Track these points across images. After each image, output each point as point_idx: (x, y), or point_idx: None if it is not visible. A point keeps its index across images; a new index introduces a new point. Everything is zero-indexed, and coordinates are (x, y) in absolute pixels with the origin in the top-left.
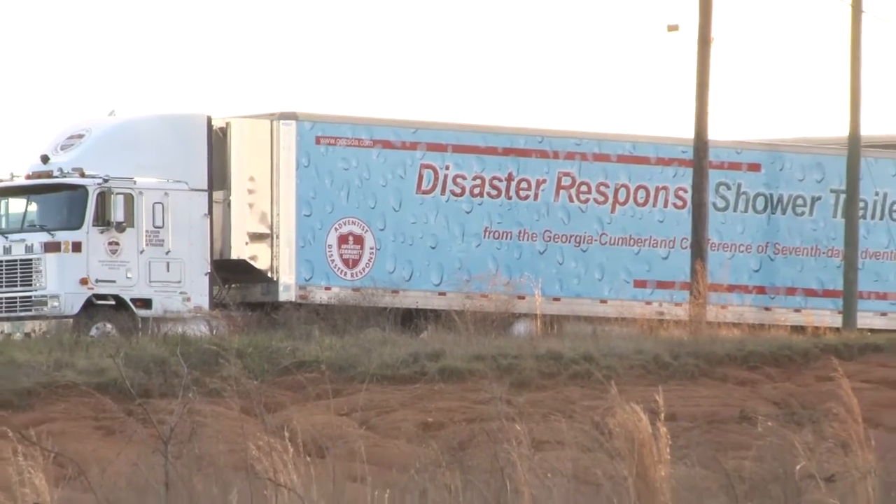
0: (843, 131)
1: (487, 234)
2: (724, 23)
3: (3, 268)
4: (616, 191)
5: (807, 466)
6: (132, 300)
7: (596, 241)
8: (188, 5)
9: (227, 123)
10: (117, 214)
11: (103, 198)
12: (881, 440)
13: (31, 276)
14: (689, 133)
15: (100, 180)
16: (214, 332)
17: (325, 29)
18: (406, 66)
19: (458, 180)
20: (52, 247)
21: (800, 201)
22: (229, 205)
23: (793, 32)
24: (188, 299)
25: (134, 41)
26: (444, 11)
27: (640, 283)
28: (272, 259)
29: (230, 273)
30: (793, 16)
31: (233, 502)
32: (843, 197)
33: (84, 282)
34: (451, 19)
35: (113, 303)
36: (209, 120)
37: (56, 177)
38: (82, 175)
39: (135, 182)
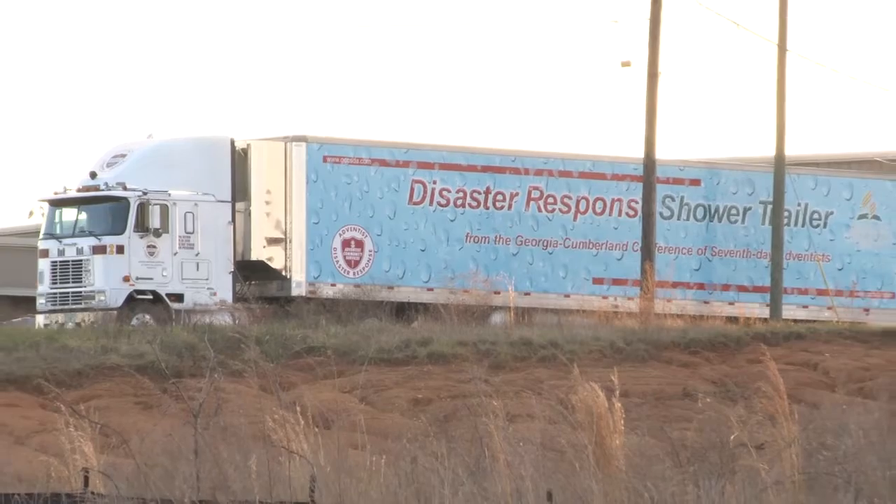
0: (771, 151)
1: (469, 238)
2: (670, 58)
3: (58, 267)
4: (578, 202)
5: (740, 436)
6: (167, 295)
7: (560, 244)
8: (213, 43)
9: (248, 145)
10: (154, 222)
11: (143, 208)
12: (803, 414)
13: (81, 275)
14: (640, 153)
15: (140, 193)
16: (237, 321)
17: (331, 61)
18: (399, 94)
19: (444, 193)
20: (99, 249)
21: (733, 211)
22: (249, 214)
23: (729, 66)
24: (214, 294)
25: (167, 72)
26: (435, 47)
27: (598, 281)
28: (286, 260)
29: (250, 272)
30: (729, 52)
31: (252, 467)
32: (770, 207)
33: (126, 279)
34: (440, 54)
35: (151, 297)
36: (232, 142)
37: (103, 190)
38: (125, 189)
39: (169, 194)
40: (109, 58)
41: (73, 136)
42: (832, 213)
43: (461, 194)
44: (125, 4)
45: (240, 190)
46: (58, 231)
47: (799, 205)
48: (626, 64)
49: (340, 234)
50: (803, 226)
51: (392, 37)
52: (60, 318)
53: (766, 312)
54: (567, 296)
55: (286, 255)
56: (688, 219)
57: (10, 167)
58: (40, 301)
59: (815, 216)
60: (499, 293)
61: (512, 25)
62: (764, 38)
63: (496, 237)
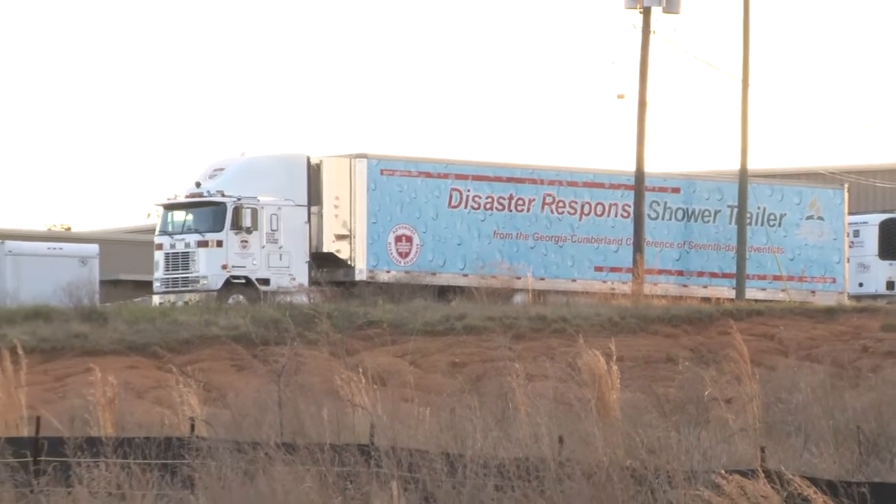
0: (736, 165)
1: (496, 235)
2: (656, 91)
3: (170, 258)
4: (582, 206)
5: (712, 392)
6: (256, 279)
7: (569, 240)
8: (292, 76)
9: (321, 161)
10: (247, 222)
11: (237, 211)
12: (762, 375)
13: (188, 263)
14: (632, 167)
15: (235, 199)
16: (311, 301)
17: (379, 88)
18: (439, 115)
19: (476, 199)
20: (203, 243)
21: (706, 213)
22: (321, 215)
23: (703, 96)
24: (294, 279)
25: (257, 100)
26: (468, 81)
27: (599, 269)
28: (351, 252)
29: (322, 261)
30: (703, 86)
31: (324, 416)
32: (735, 210)
33: (224, 267)
34: (473, 87)
35: (244, 281)
36: (308, 158)
37: (206, 197)
38: (223, 195)
39: (258, 200)
40: (210, 87)
41: (181, 152)
42: (785, 214)
43: (490, 200)
44: (212, 47)
45: (314, 196)
46: (170, 229)
47: (758, 208)
48: (620, 96)
49: (394, 232)
50: (762, 225)
51: (433, 70)
52: (172, 298)
53: (732, 294)
54: (574, 281)
55: (351, 248)
56: (670, 219)
57: (131, 178)
58: (156, 284)
59: (772, 217)
60: (520, 279)
61: (531, 65)
62: (731, 76)
63: (517, 234)
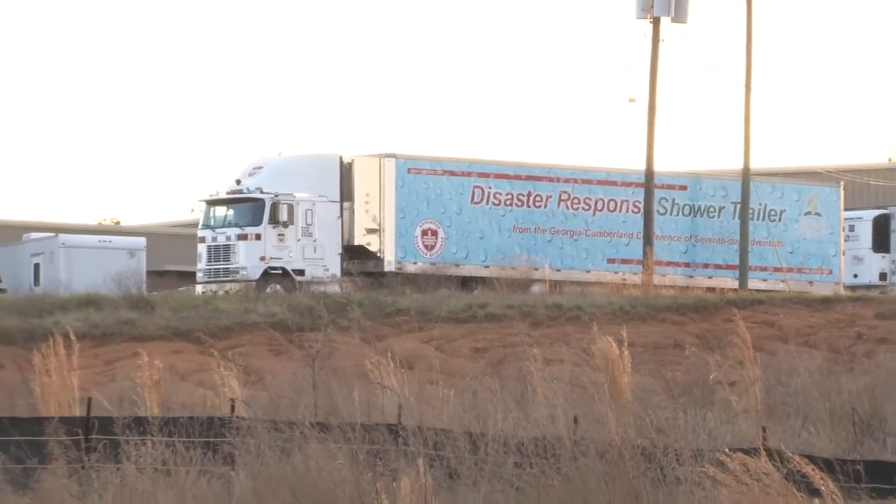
0: (739, 164)
1: (515, 229)
2: (665, 95)
3: (212, 250)
4: (596, 202)
5: (717, 376)
6: (292, 270)
7: (583, 234)
8: (322, 80)
9: (352, 160)
10: (283, 217)
11: (275, 206)
12: (763, 360)
13: (229, 255)
14: (642, 166)
15: (272, 195)
16: (343, 290)
17: (414, 92)
18: (462, 115)
19: (497, 195)
20: (242, 237)
21: (711, 209)
22: (353, 211)
23: (708, 100)
24: (327, 270)
25: (292, 101)
26: (490, 86)
27: (611, 261)
28: (380, 245)
29: (353, 253)
30: (708, 90)
31: (355, 397)
32: (738, 206)
33: (262, 259)
34: (495, 91)
35: (280, 272)
36: (340, 158)
37: (245, 193)
38: (261, 192)
39: (294, 196)
40: (250, 90)
41: (223, 151)
42: (785, 210)
43: (510, 196)
44: (251, 53)
45: (346, 193)
46: (212, 223)
47: (760, 204)
48: (632, 100)
49: (420, 226)
50: (763, 220)
51: (458, 76)
52: (214, 287)
53: (735, 284)
54: (588, 272)
55: (380, 241)
56: (678, 215)
57: (176, 176)
58: (199, 275)
59: (773, 213)
60: (537, 270)
61: (549, 70)
62: (734, 81)
63: (535, 228)
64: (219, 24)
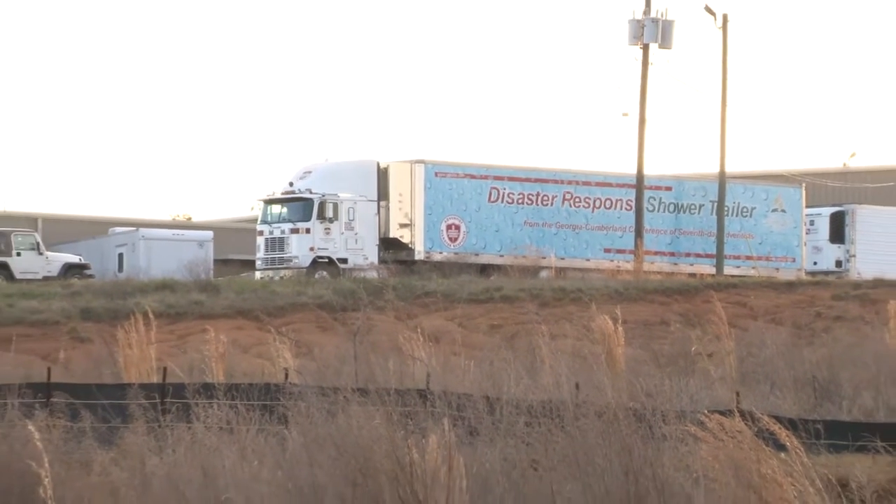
0: (716, 167)
1: (526, 224)
2: (653, 109)
3: (269, 242)
4: (594, 201)
5: (697, 348)
6: (337, 259)
7: (584, 228)
8: (362, 94)
9: (388, 165)
10: (329, 213)
11: (322, 205)
12: (737, 335)
13: (283, 247)
14: (634, 170)
15: (320, 195)
16: (380, 276)
17: (439, 105)
18: (482, 127)
19: (510, 195)
20: (294, 231)
21: (693, 207)
22: (388, 208)
23: (690, 112)
24: (366, 258)
25: (336, 113)
26: (502, 98)
27: (608, 250)
28: (411, 237)
29: (388, 245)
30: (690, 104)
31: (390, 367)
32: (715, 204)
33: (311, 249)
34: (508, 100)
35: (327, 260)
36: (378, 163)
37: (297, 194)
38: (311, 192)
39: (338, 196)
40: (300, 105)
41: (277, 157)
42: (755, 208)
43: (521, 196)
44: (301, 69)
45: (382, 193)
46: (269, 219)
47: (734, 203)
48: (625, 114)
49: (445, 221)
50: (737, 216)
51: (477, 92)
52: (270, 273)
53: (713, 271)
54: (588, 260)
55: (412, 234)
56: (664, 212)
57: (238, 179)
58: (258, 263)
59: (745, 210)
60: (545, 258)
61: (554, 88)
62: (712, 97)
63: (543, 223)
64: (263, 50)
